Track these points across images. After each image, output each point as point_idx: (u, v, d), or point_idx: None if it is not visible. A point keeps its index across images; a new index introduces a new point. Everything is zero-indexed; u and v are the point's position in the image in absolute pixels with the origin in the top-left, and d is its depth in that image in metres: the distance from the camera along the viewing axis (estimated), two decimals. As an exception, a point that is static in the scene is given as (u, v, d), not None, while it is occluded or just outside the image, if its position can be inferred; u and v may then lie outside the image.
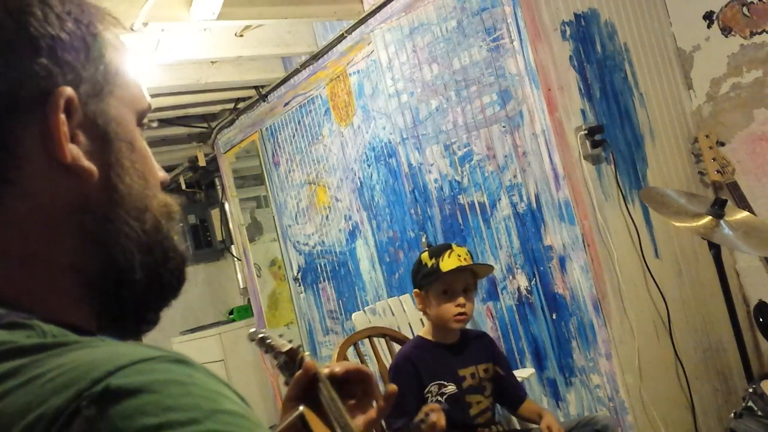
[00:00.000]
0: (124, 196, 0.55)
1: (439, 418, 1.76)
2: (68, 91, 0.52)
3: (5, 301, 0.49)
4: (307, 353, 1.00)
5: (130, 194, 0.55)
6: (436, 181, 2.97)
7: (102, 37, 0.57)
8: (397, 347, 2.37)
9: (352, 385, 0.98)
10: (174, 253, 0.59)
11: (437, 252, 2.13)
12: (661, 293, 2.60)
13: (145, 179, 0.57)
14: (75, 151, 0.52)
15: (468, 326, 2.22)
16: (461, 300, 2.08)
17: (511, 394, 2.20)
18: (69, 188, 0.52)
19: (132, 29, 2.72)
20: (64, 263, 0.52)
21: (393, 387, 1.00)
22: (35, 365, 0.42)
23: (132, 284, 0.55)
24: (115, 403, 0.38)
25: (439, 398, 2.04)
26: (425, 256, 2.15)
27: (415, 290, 2.17)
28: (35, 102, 0.51)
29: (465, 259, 2.11)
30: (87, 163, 0.52)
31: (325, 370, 0.97)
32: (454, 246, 2.16)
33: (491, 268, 2.30)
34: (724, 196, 2.37)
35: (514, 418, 2.26)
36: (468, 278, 2.12)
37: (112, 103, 0.56)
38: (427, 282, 2.11)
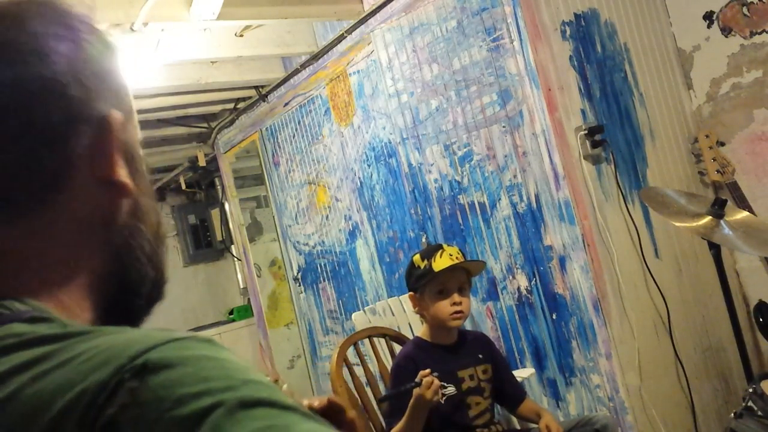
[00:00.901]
0: (144, 213, 0.60)
1: (432, 378, 1.83)
2: (118, 114, 0.57)
3: (27, 302, 0.52)
4: (285, 385, 1.00)
5: (147, 212, 0.60)
6: (436, 181, 2.97)
7: (116, 62, 0.61)
8: (397, 347, 2.37)
9: (330, 418, 1.00)
10: (163, 270, 0.63)
11: (428, 253, 2.13)
12: (661, 293, 2.60)
13: (153, 198, 0.62)
14: (124, 170, 0.57)
15: (467, 327, 2.22)
16: (456, 298, 2.08)
17: (510, 394, 2.20)
18: (106, 204, 0.57)
19: (132, 29, 2.71)
20: (87, 272, 0.56)
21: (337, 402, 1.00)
22: (67, 349, 0.44)
23: (139, 296, 0.59)
24: (155, 375, 0.41)
25: (439, 399, 2.04)
26: (417, 258, 2.14)
27: (410, 293, 2.16)
28: (88, 125, 0.55)
29: (457, 257, 2.11)
30: (130, 181, 0.57)
31: (305, 402, 0.98)
32: (444, 246, 2.16)
33: (483, 264, 2.29)
34: (724, 196, 2.37)
35: (513, 418, 2.27)
36: (462, 276, 2.12)
37: (131, 126, 0.61)
38: (421, 284, 2.10)
